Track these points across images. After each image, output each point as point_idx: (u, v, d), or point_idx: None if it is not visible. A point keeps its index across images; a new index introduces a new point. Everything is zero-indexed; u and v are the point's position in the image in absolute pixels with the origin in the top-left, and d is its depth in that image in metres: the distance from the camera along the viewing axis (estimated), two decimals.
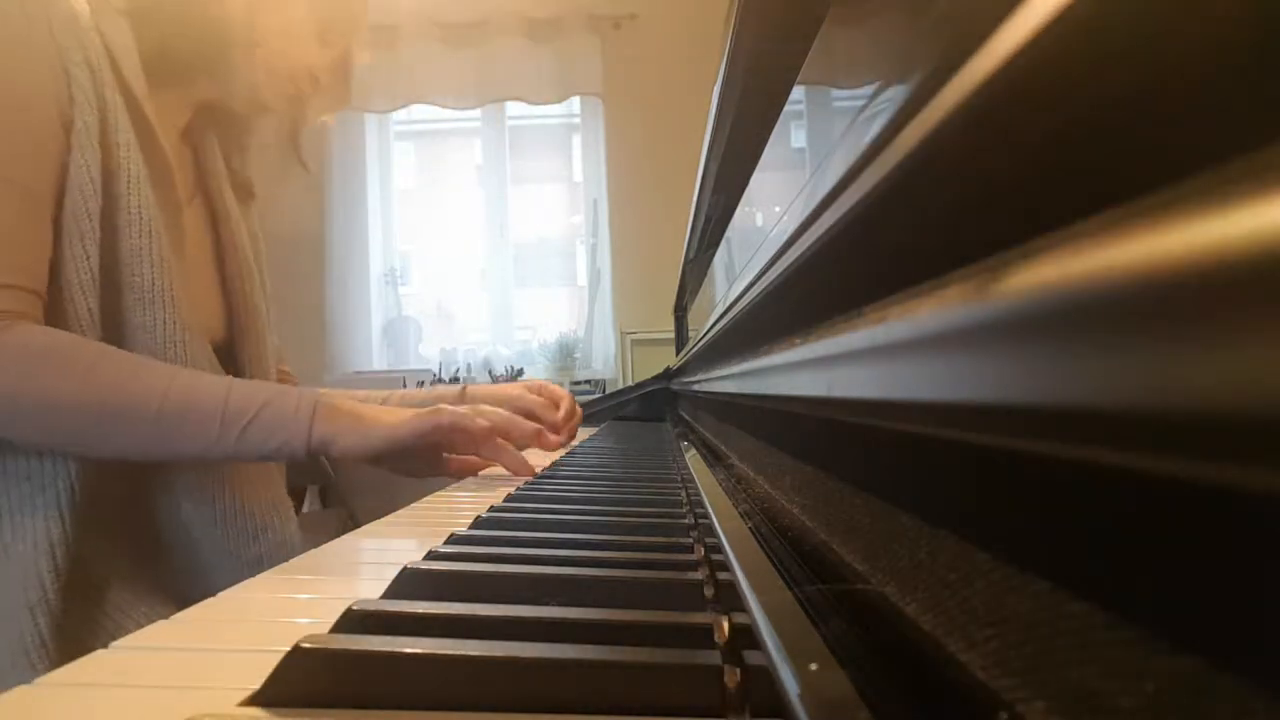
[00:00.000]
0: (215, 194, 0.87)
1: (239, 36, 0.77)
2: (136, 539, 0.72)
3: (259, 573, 0.75)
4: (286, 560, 0.76)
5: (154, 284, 0.70)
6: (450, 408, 0.75)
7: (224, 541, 0.74)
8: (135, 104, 0.72)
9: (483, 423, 0.75)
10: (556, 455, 0.97)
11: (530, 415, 0.90)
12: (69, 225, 0.67)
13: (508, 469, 0.79)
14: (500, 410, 0.83)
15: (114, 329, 0.69)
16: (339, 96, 0.91)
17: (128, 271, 0.69)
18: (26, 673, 0.60)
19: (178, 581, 0.73)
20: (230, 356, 0.85)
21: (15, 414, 0.63)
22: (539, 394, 0.97)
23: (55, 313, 0.67)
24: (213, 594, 0.73)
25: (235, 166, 0.91)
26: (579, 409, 1.01)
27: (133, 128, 0.71)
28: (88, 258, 0.67)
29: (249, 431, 0.66)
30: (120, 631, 0.64)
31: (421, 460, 0.77)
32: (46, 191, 0.66)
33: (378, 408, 0.74)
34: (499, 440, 0.77)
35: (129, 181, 0.69)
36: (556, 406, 0.96)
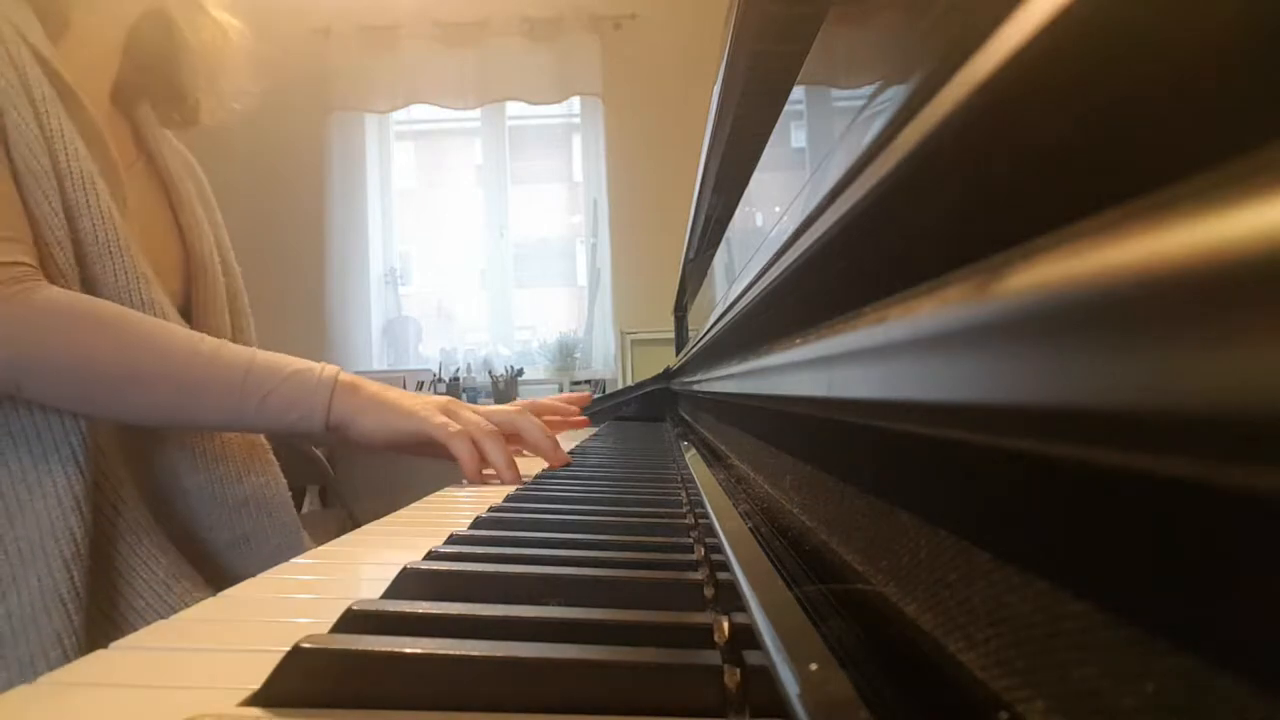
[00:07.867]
0: (161, 164, 0.88)
1: (199, 68, 0.84)
2: (138, 487, 0.73)
3: (246, 515, 0.78)
4: (272, 501, 0.79)
5: (98, 237, 0.70)
6: (463, 427, 0.73)
7: (208, 484, 0.76)
8: (48, 65, 0.71)
9: (495, 453, 0.74)
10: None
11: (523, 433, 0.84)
12: (28, 182, 0.67)
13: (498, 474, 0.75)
14: (514, 416, 0.81)
15: (83, 282, 0.70)
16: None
17: (74, 225, 0.69)
18: (64, 621, 0.63)
19: (180, 526, 0.75)
20: (188, 311, 0.86)
21: (52, 375, 0.63)
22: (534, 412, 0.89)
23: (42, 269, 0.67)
24: (210, 540, 0.75)
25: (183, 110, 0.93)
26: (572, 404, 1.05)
27: (51, 85, 0.70)
28: (55, 213, 0.67)
29: (269, 402, 0.67)
30: (140, 582, 0.66)
31: (431, 451, 0.77)
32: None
33: (398, 391, 0.75)
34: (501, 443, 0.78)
35: (58, 137, 0.69)
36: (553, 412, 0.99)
